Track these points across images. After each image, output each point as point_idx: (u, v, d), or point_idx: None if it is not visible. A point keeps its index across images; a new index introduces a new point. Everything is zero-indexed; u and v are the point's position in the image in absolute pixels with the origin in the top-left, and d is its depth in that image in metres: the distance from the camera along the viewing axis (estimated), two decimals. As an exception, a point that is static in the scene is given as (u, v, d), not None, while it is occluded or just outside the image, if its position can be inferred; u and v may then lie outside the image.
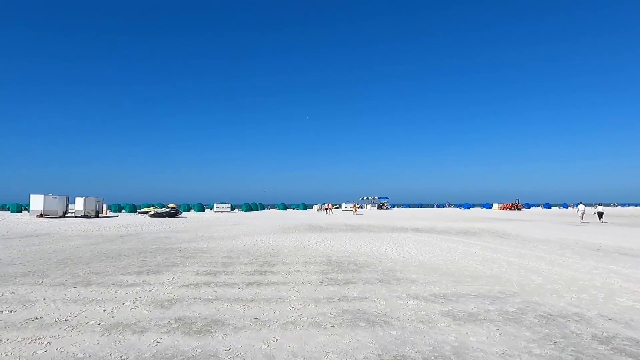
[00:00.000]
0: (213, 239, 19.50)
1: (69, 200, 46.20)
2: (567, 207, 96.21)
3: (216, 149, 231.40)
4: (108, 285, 8.64)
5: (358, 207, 74.99)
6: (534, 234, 21.69)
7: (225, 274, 10.02)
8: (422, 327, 5.93)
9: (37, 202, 42.17)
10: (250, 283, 8.97)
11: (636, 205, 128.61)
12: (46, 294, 7.94)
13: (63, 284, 8.77)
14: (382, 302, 7.32)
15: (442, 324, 6.08)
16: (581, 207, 35.85)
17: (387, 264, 11.63)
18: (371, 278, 9.56)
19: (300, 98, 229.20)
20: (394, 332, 5.70)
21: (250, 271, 10.46)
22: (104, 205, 51.35)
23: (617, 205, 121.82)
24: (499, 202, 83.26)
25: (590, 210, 48.51)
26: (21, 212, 60.75)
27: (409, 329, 5.84)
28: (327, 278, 9.54)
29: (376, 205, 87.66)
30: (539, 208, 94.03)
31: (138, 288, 8.42)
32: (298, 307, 6.97)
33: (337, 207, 78.25)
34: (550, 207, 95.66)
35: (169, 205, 52.58)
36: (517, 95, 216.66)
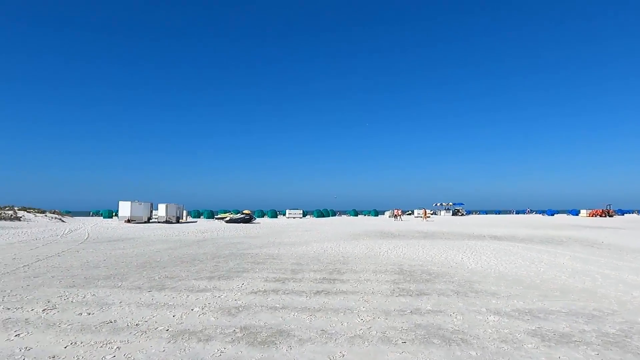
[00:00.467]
0: (284, 245, 19.59)
1: (153, 207, 49.24)
2: None
3: (287, 154, 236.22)
4: (180, 290, 8.79)
5: (430, 214, 72.49)
6: (631, 244, 19.52)
7: (293, 281, 9.86)
8: (506, 348, 5.30)
9: (124, 208, 45.31)
10: (318, 292, 8.72)
11: None
12: (123, 297, 8.21)
13: (139, 288, 9.06)
14: (458, 317, 6.72)
15: (529, 345, 5.41)
16: None
17: (464, 274, 10.87)
18: (446, 289, 8.93)
19: (363, 101, 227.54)
20: (473, 353, 5.14)
21: (319, 279, 10.22)
22: (184, 212, 54.07)
23: None
24: (587, 209, 76.84)
25: None
26: (112, 217, 65.80)
27: (491, 350, 5.24)
28: (398, 288, 9.05)
29: (451, 211, 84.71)
30: (634, 215, 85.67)
31: (208, 294, 8.47)
32: (367, 320, 6.58)
33: (409, 214, 76.49)
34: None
35: (243, 212, 54.34)
36: (603, 92, 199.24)
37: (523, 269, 11.84)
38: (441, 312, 7.05)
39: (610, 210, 73.48)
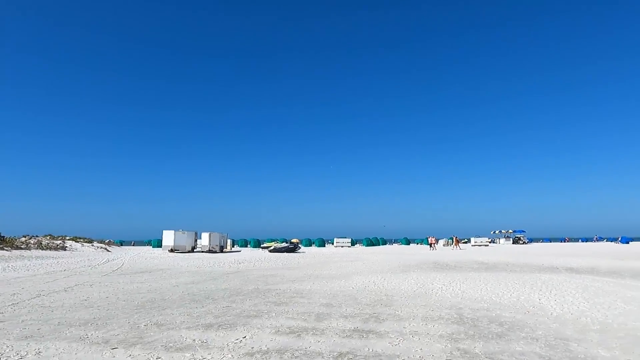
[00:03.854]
0: (321, 278, 17.09)
1: (197, 236, 48.30)
2: None
3: (338, 183, 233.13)
4: (154, 348, 6.51)
5: (462, 242, 66.10)
6: None
7: (313, 334, 7.34)
8: None
9: (168, 237, 44.51)
10: (342, 354, 6.15)
11: None
12: (76, 356, 6.05)
13: (107, 342, 6.87)
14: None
15: None
16: None
17: (550, 325, 7.91)
18: (529, 352, 6.11)
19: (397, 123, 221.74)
20: None
21: (348, 330, 7.64)
22: (229, 240, 52.85)
23: None
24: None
25: None
26: (161, 247, 65.80)
27: None
28: (457, 349, 6.31)
29: (511, 239, 78.48)
30: None
31: (188, 355, 6.13)
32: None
33: (465, 242, 71.44)
34: None
35: (292, 241, 52.39)
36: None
37: (632, 316, 8.63)
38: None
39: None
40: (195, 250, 46.31)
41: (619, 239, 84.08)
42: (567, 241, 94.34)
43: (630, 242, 78.60)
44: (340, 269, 21.79)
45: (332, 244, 69.07)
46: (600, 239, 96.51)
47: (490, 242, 73.28)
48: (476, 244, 66.94)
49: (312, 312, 9.40)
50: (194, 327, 7.91)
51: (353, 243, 69.53)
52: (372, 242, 71.57)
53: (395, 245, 73.63)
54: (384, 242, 77.10)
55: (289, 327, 7.88)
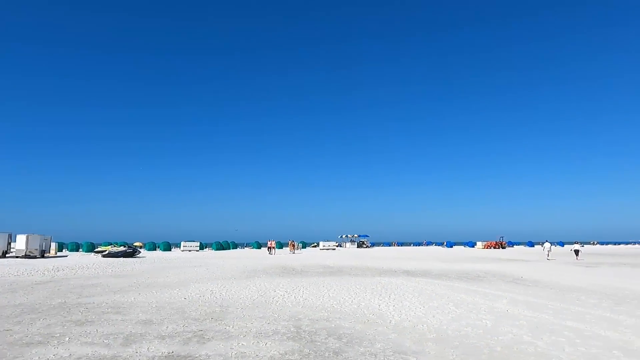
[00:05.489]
0: (152, 287, 14.96)
1: (11, 238, 40.65)
2: (532, 246, 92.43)
3: (192, 188, 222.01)
4: None
5: (299, 246, 67.85)
6: (553, 279, 17.75)
7: (110, 366, 5.65)
8: None
9: (-30, 241, 36.60)
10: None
11: (615, 243, 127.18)
12: None
13: None
14: None
15: None
16: (547, 244, 36.60)
17: (389, 336, 7.42)
18: (368, 373, 5.36)
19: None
20: None
21: (160, 357, 6.11)
22: (53, 244, 45.75)
23: (596, 243, 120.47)
24: (481, 240, 80.00)
25: (569, 247, 48.57)
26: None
27: None
28: (289, 375, 5.28)
29: (356, 243, 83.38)
30: (522, 246, 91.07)
31: None
32: None
33: (314, 246, 73.57)
34: (533, 245, 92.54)
35: (134, 244, 47.25)
36: (500, 135, 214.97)
37: (463, 321, 8.71)
38: None
39: (503, 242, 76.88)
40: (7, 255, 38.91)
41: (444, 243, 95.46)
42: (394, 245, 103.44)
43: (453, 246, 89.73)
44: (180, 275, 19.73)
45: (180, 247, 64.88)
46: (429, 243, 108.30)
47: (337, 246, 76.61)
48: (324, 247, 69.33)
49: (122, 333, 7.58)
50: None
51: (202, 247, 66.30)
52: (222, 246, 68.99)
53: (246, 249, 72.25)
54: (235, 246, 75.19)
55: (78, 358, 6.01)
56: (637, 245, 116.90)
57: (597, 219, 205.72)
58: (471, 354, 6.26)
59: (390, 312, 9.80)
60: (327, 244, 71.01)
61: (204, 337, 7.32)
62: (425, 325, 8.31)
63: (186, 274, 20.64)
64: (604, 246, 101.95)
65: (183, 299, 12.11)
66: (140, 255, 42.91)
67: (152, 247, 63.63)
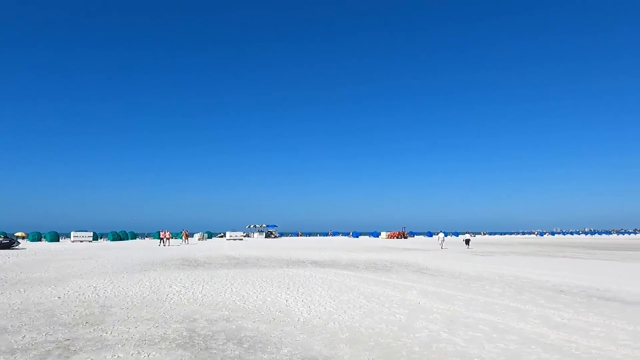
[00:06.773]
0: (22, 284, 12.68)
1: None
2: (431, 236, 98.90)
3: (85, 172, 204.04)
4: None
5: (244, 236, 67.37)
6: (455, 268, 18.19)
7: None
8: None
9: None
10: None
11: (502, 233, 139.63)
12: None
13: None
14: None
15: None
16: (441, 235, 39.32)
17: (298, 338, 6.52)
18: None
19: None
20: None
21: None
22: None
23: (486, 234, 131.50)
24: (385, 231, 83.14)
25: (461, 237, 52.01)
26: None
27: None
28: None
29: (264, 233, 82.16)
30: (422, 236, 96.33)
31: None
32: None
33: (221, 236, 71.06)
34: (431, 235, 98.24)
35: (15, 234, 41.21)
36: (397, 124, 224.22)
37: (377, 317, 8.09)
38: None
39: (405, 233, 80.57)
40: None
41: (351, 233, 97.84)
42: (300, 235, 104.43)
43: (359, 236, 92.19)
44: (61, 269, 17.21)
45: (70, 238, 58.83)
46: (335, 234, 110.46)
47: (245, 236, 74.89)
48: (231, 237, 67.20)
49: (-48, 350, 5.83)
50: None
51: (96, 237, 60.83)
52: (119, 236, 63.88)
53: (147, 239, 67.69)
54: (135, 237, 70.15)
55: None
56: (526, 235, 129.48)
57: (488, 212, 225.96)
58: (388, 357, 5.56)
59: (298, 308, 8.94)
60: (234, 234, 68.83)
61: (68, 349, 5.86)
62: (336, 323, 7.54)
63: (70, 267, 18.14)
64: (492, 236, 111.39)
65: (56, 298, 10.22)
66: (19, 246, 37.89)
67: (37, 237, 56.93)
